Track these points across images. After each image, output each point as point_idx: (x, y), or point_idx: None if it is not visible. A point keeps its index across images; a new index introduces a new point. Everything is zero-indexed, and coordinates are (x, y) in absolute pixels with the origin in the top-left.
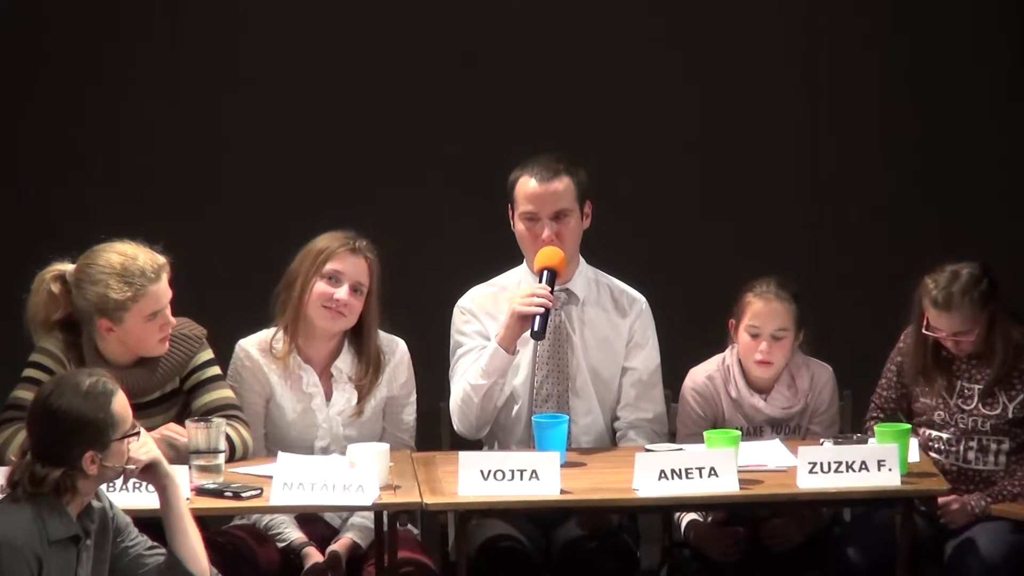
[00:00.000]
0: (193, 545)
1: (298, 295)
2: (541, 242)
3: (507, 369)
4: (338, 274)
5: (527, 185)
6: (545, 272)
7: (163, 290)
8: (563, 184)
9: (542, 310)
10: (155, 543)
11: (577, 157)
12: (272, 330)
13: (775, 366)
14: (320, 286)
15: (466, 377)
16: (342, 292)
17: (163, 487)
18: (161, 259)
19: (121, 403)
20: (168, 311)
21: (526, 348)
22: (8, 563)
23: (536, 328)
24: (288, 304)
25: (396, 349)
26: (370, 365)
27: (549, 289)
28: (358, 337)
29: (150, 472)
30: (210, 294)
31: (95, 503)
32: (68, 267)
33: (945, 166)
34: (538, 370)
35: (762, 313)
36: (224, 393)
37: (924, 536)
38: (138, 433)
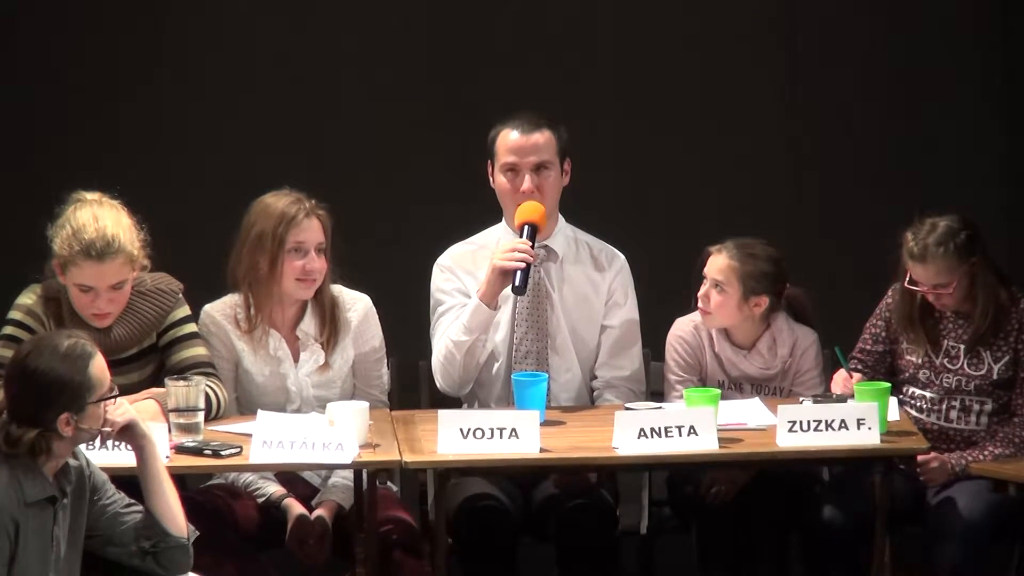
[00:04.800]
0: (170, 504)
1: (267, 275)
2: (521, 195)
3: (489, 325)
4: (301, 245)
5: (508, 137)
6: (526, 227)
7: (99, 272)
8: (544, 137)
9: (523, 265)
10: (133, 501)
11: (558, 114)
12: (236, 297)
13: (714, 317)
14: (290, 261)
15: (448, 334)
16: (310, 261)
17: (140, 447)
18: (119, 244)
19: (99, 366)
20: (108, 295)
21: (506, 305)
22: None
23: (517, 283)
24: (257, 283)
25: (359, 306)
26: (326, 316)
27: (530, 244)
28: (316, 293)
29: (127, 433)
30: (185, 255)
31: (72, 462)
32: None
33: (933, 128)
34: (517, 327)
35: (709, 261)
36: (200, 351)
37: (903, 494)
38: (116, 396)
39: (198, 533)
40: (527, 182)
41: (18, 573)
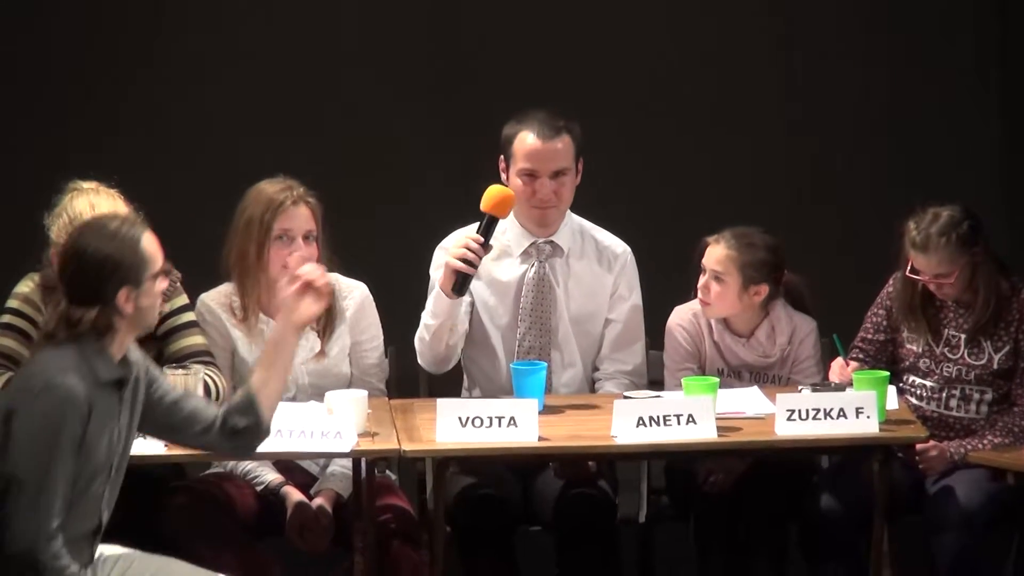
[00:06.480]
0: (277, 394)
1: (255, 262)
2: (538, 200)
3: (453, 312)
4: (288, 232)
5: (526, 141)
6: (486, 219)
7: None
8: (563, 143)
9: (467, 269)
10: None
11: (561, 106)
12: (231, 285)
13: (713, 307)
14: (276, 249)
15: (423, 316)
16: (297, 248)
17: (293, 325)
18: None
19: (150, 242)
20: None
21: (508, 299)
22: (61, 406)
23: (453, 287)
24: (246, 271)
25: (355, 293)
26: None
27: (483, 240)
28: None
29: (301, 299)
30: (184, 244)
31: (130, 354)
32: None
33: (932, 116)
34: (520, 322)
35: (708, 252)
36: (198, 339)
37: (902, 483)
38: (169, 272)
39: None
40: (545, 189)
41: (84, 456)
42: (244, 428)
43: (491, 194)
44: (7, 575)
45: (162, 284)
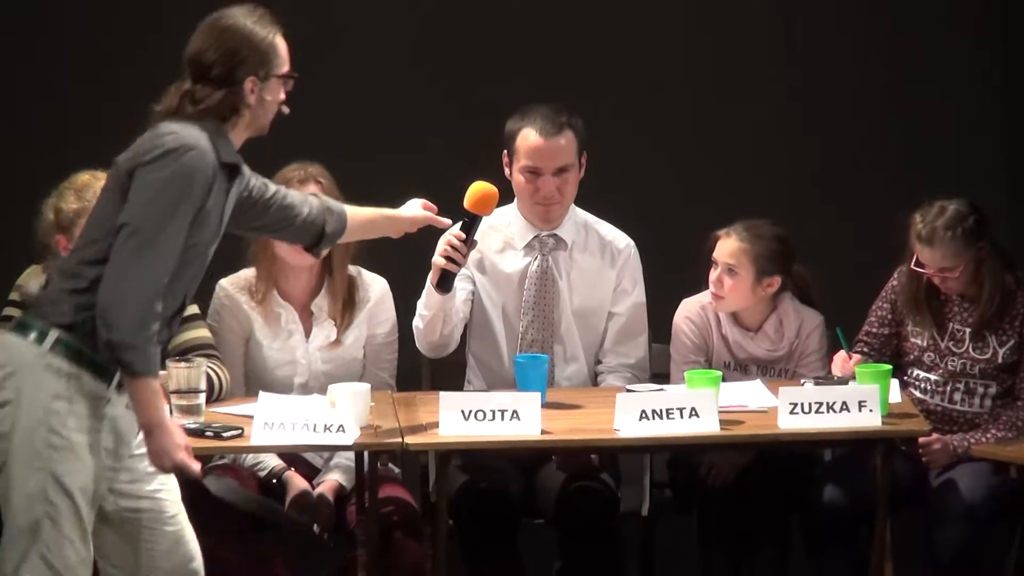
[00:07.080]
0: (356, 232)
1: (263, 241)
2: (541, 197)
3: (443, 306)
4: None
5: (528, 139)
6: (469, 216)
7: None
8: (566, 139)
9: (450, 267)
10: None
11: (562, 97)
12: (252, 270)
13: (726, 301)
14: None
15: (418, 304)
16: None
17: (395, 226)
18: None
19: (283, 44)
20: None
21: (511, 291)
22: (192, 166)
23: (437, 283)
24: (259, 251)
25: (375, 287)
26: (338, 295)
27: (464, 237)
28: (329, 270)
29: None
30: None
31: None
32: None
33: (934, 110)
34: (523, 315)
35: (719, 245)
36: (202, 332)
37: (905, 476)
38: (295, 78)
39: None
40: (548, 187)
41: (195, 230)
42: (331, 232)
43: (474, 191)
44: (98, 336)
45: (283, 92)
